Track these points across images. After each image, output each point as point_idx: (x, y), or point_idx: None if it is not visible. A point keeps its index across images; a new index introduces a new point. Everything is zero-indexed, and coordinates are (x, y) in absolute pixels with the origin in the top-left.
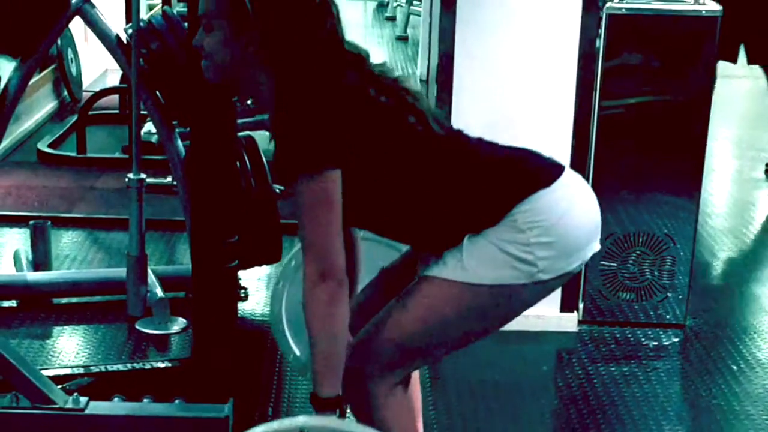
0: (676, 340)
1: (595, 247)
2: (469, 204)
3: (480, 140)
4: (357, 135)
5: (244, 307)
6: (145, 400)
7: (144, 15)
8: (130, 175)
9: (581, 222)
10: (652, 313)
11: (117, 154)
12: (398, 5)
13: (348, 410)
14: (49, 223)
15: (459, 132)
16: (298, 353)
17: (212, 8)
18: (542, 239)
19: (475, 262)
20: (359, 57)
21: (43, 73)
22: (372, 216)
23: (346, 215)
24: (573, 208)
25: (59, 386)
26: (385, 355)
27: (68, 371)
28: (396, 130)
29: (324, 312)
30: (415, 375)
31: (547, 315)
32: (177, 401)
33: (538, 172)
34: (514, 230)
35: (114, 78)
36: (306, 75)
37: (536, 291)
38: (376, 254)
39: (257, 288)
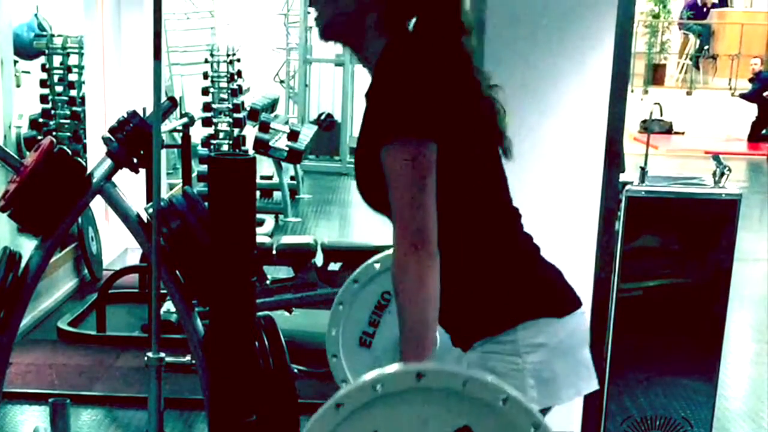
0: None
1: (576, 391)
2: (487, 292)
3: (526, 235)
4: (454, 121)
5: None
6: None
7: (165, 194)
8: (150, 354)
9: (573, 364)
10: None
11: (136, 333)
12: None
13: None
14: (68, 401)
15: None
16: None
17: None
18: (537, 366)
19: None
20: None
21: (63, 252)
22: None
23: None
24: (573, 346)
25: None
26: None
27: None
28: (478, 141)
29: (415, 284)
30: None
31: None
32: None
33: (558, 297)
34: (511, 353)
35: (134, 257)
36: (422, 44)
37: None
38: None
39: None
